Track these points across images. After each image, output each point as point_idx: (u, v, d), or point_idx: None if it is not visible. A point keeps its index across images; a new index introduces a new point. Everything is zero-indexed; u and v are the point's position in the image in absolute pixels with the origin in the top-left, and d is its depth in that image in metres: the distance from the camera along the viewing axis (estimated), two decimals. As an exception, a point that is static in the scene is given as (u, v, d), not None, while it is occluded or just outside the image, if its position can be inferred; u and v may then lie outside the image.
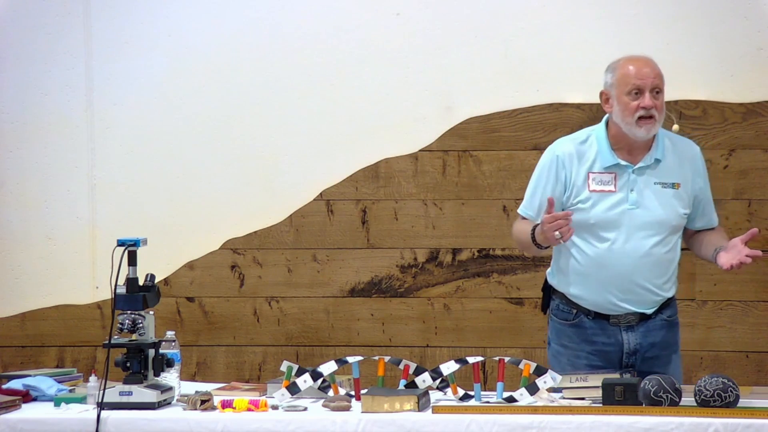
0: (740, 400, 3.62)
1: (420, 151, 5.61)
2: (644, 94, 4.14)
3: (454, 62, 5.53)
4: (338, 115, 5.63)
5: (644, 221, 4.16)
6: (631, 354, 4.20)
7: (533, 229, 4.15)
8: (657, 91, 4.16)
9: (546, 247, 4.18)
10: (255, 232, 5.69)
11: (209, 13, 5.67)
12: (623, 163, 4.19)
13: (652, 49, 5.34)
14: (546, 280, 4.34)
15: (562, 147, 4.25)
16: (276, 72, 5.65)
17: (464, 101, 5.56)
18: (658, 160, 4.20)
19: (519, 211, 4.31)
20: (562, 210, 4.19)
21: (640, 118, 4.14)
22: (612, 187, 4.18)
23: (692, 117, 5.40)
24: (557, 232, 4.02)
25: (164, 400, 3.93)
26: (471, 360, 3.89)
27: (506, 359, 3.90)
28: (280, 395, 3.94)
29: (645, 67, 4.17)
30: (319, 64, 5.63)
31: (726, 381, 3.60)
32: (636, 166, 4.19)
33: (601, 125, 4.26)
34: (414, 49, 5.56)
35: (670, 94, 5.38)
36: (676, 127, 4.24)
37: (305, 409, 3.86)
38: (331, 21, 5.61)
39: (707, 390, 3.60)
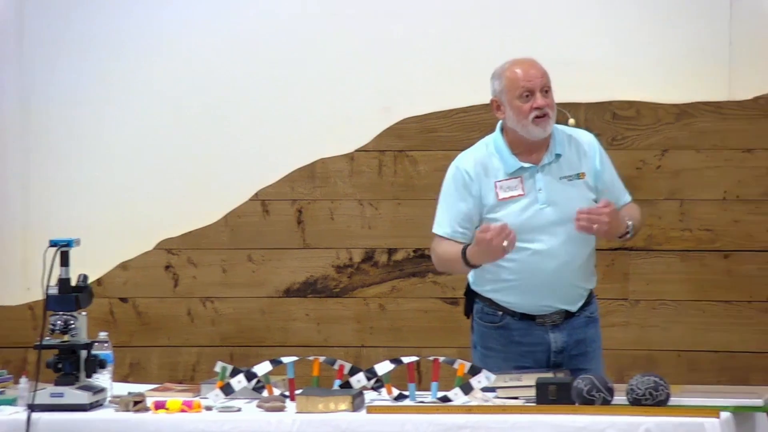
0: (671, 398, 3.65)
1: (356, 151, 5.61)
2: (535, 95, 4.16)
3: (391, 62, 5.54)
4: (274, 115, 5.61)
5: (558, 218, 4.18)
6: (558, 352, 4.22)
7: (464, 251, 4.14)
8: (546, 90, 4.18)
9: (477, 266, 4.18)
10: (190, 232, 5.66)
11: (145, 13, 5.63)
12: (526, 165, 4.20)
13: (587, 50, 5.40)
14: (468, 285, 4.34)
15: (465, 162, 4.25)
16: (211, 72, 5.63)
17: (401, 101, 5.57)
18: (558, 155, 4.23)
19: (436, 231, 4.27)
20: (478, 225, 4.19)
21: (535, 117, 4.16)
22: (520, 191, 4.19)
23: (626, 117, 5.44)
24: (505, 242, 4.03)
25: (96, 402, 3.89)
26: (406, 360, 3.89)
27: (441, 359, 3.91)
28: (214, 396, 3.92)
29: (531, 68, 4.18)
30: (254, 64, 5.61)
31: (657, 380, 3.63)
32: (539, 165, 4.21)
33: (497, 133, 4.27)
34: (350, 49, 5.56)
35: (605, 94, 5.45)
36: (572, 120, 4.26)
37: (239, 409, 3.84)
38: (266, 22, 5.60)
39: (639, 389, 3.62)
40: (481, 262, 4.15)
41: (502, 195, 4.19)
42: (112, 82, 5.65)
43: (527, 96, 4.16)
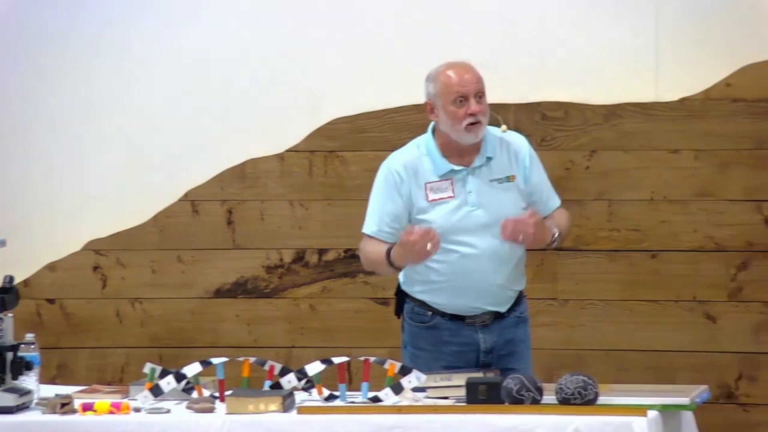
0: (600, 397, 3.68)
1: (286, 151, 5.60)
2: (469, 101, 4.17)
3: (321, 62, 5.54)
4: (204, 115, 5.59)
5: (488, 221, 4.20)
6: (487, 352, 4.25)
7: (387, 252, 4.16)
8: (480, 95, 4.20)
9: (400, 268, 4.18)
10: (118, 233, 5.62)
11: (65, 9, 5.58)
12: (457, 168, 4.23)
13: (515, 52, 5.43)
14: (398, 286, 4.35)
15: (396, 162, 4.27)
16: (139, 70, 5.59)
17: (331, 101, 5.56)
18: (489, 158, 4.25)
19: (365, 231, 4.28)
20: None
21: (469, 124, 4.18)
22: (450, 193, 4.20)
23: (555, 118, 5.48)
24: (429, 245, 4.03)
25: (23, 404, 3.85)
26: (336, 360, 3.89)
27: (371, 359, 3.92)
28: (143, 397, 3.89)
29: (466, 73, 4.20)
30: (183, 64, 5.58)
31: (586, 379, 3.66)
32: (470, 168, 4.23)
33: (428, 135, 4.28)
34: (280, 49, 5.55)
35: (534, 95, 5.49)
36: (504, 127, 4.29)
37: (169, 411, 3.82)
38: (195, 19, 5.57)
39: (568, 388, 3.65)
40: (404, 264, 4.16)
41: (432, 196, 4.21)
42: (38, 77, 5.59)
43: (461, 101, 4.18)
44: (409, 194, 4.22)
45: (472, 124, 4.18)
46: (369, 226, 4.27)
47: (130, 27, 5.60)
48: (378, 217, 4.25)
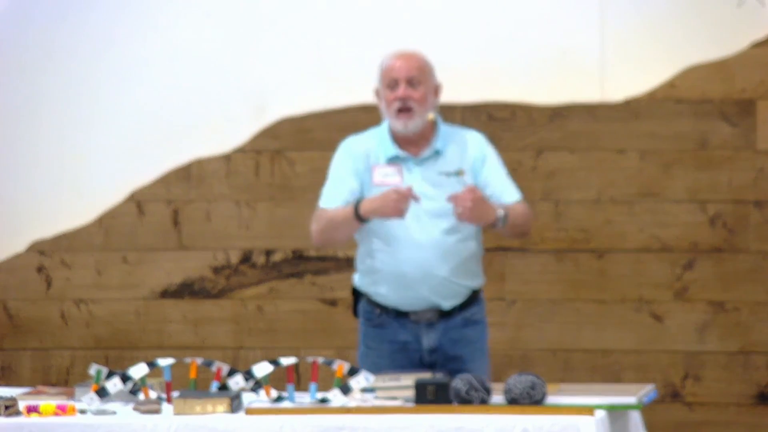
0: (548, 397, 3.70)
1: (233, 151, 5.59)
2: (399, 86, 4.20)
3: (266, 62, 5.53)
4: (149, 115, 5.56)
5: (430, 211, 4.21)
6: (431, 351, 4.26)
7: (356, 204, 4.16)
8: (414, 82, 4.22)
9: (365, 221, 4.16)
10: (63, 233, 5.58)
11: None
12: (404, 155, 4.25)
13: (461, 51, 5.45)
14: (353, 285, 4.36)
15: (352, 142, 4.33)
16: (85, 69, 5.56)
17: (277, 102, 5.56)
18: (438, 151, 4.27)
19: (322, 205, 4.28)
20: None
21: (398, 110, 4.19)
22: (397, 180, 4.23)
23: (501, 119, 5.50)
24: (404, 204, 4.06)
25: (-34, 407, 3.82)
26: (284, 361, 3.89)
27: (319, 360, 3.92)
28: (88, 399, 3.87)
29: (401, 59, 4.25)
30: (129, 63, 5.55)
31: (534, 379, 3.68)
32: (417, 158, 4.25)
33: (385, 121, 4.33)
34: (225, 49, 5.54)
35: (480, 95, 5.50)
36: (431, 115, 4.30)
37: (115, 413, 3.80)
38: (139, 19, 5.55)
39: (516, 388, 3.67)
40: (372, 212, 4.13)
41: (378, 180, 4.23)
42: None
43: (393, 86, 4.22)
44: (363, 172, 4.25)
45: (400, 111, 4.20)
46: (327, 202, 4.25)
47: (75, 27, 5.56)
48: (338, 191, 4.25)
